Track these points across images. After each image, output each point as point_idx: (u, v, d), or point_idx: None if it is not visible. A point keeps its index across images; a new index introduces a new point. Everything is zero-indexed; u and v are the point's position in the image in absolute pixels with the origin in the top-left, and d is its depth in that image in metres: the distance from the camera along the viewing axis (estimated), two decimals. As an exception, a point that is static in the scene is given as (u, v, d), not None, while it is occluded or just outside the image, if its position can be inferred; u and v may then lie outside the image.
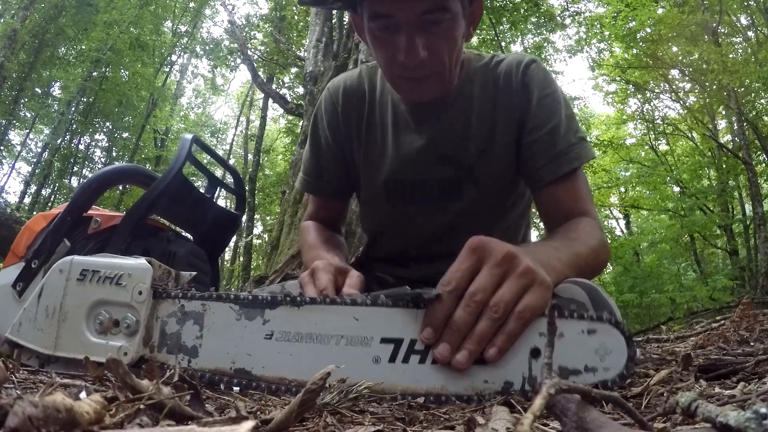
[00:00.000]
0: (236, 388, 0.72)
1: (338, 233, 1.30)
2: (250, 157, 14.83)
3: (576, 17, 10.68)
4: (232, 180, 1.56)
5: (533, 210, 1.31)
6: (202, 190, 1.38)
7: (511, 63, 1.08)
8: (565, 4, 10.53)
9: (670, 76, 8.96)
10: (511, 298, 0.66)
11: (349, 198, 1.29)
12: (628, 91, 10.34)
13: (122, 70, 12.32)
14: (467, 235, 0.87)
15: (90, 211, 1.10)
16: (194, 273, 0.90)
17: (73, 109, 12.25)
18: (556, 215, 1.02)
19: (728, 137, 10.16)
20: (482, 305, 0.66)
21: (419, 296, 0.69)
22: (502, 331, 0.66)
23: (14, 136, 12.90)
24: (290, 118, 10.68)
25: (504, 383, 0.68)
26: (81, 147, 14.21)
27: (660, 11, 8.37)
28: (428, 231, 1.13)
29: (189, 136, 1.20)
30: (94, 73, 11.79)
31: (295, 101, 7.37)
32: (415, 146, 1.08)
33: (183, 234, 1.32)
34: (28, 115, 12.50)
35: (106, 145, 14.89)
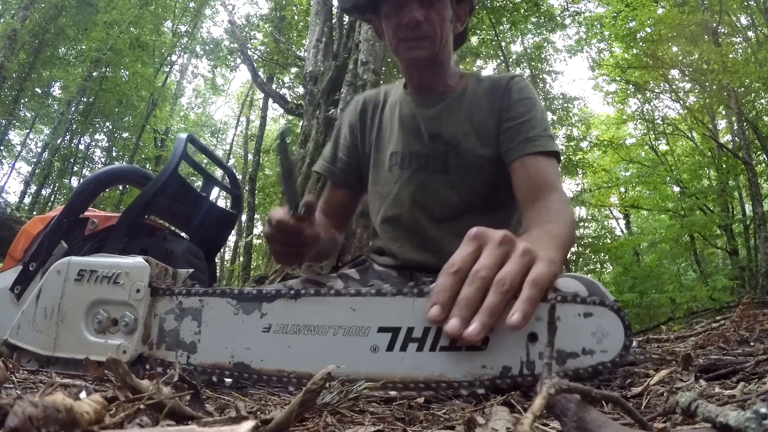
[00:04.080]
0: (233, 380, 0.72)
1: (338, 224, 1.43)
2: (250, 157, 14.82)
3: (576, 17, 10.68)
4: (228, 179, 1.56)
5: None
6: (199, 190, 1.37)
7: (501, 76, 1.33)
8: (565, 4, 10.53)
9: (670, 76, 8.96)
10: (516, 273, 0.68)
11: (356, 191, 1.46)
12: (628, 91, 10.34)
13: (122, 70, 12.28)
14: (455, 208, 1.24)
15: (87, 213, 1.11)
16: (191, 270, 0.90)
17: (73, 109, 12.23)
18: (525, 187, 1.15)
19: (728, 137, 10.16)
20: (488, 282, 0.68)
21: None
22: (521, 298, 0.67)
23: (14, 136, 12.89)
24: (290, 118, 10.67)
25: (502, 368, 0.68)
26: (81, 147, 14.20)
27: (660, 11, 8.37)
28: (420, 197, 1.29)
29: (183, 136, 1.21)
30: (94, 73, 11.75)
31: (295, 101, 7.36)
32: (415, 127, 1.31)
33: (180, 233, 1.32)
34: (28, 115, 12.47)
35: (106, 145, 14.87)
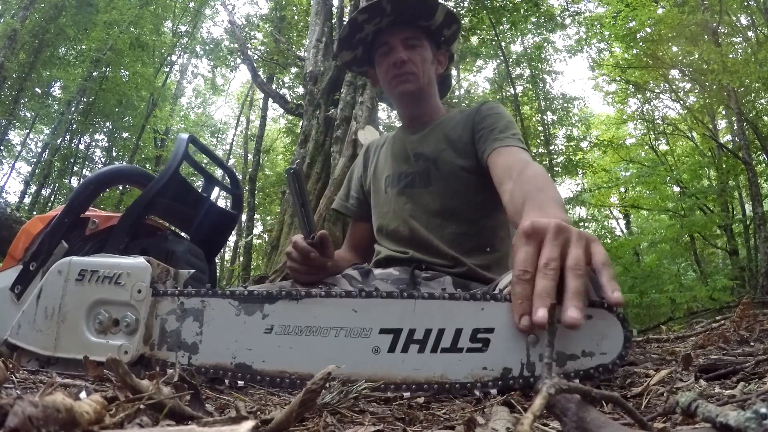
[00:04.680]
0: (234, 381, 0.72)
1: (363, 255, 1.61)
2: (250, 157, 14.82)
3: (576, 17, 10.68)
4: (229, 179, 1.56)
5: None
6: (200, 190, 1.37)
7: (476, 104, 1.49)
8: (565, 4, 10.53)
9: (670, 76, 8.95)
10: (582, 257, 0.71)
11: (371, 223, 1.58)
12: (628, 91, 10.33)
13: (122, 70, 12.26)
14: (440, 215, 1.39)
15: (87, 213, 1.10)
16: (192, 271, 0.90)
17: (73, 109, 12.21)
18: (502, 167, 1.24)
19: (728, 137, 10.15)
20: (558, 272, 0.70)
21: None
22: (605, 280, 0.69)
23: (14, 136, 12.85)
24: (290, 118, 10.66)
25: (503, 369, 0.68)
26: (81, 147, 14.18)
27: (660, 11, 8.36)
28: (410, 209, 1.44)
29: (185, 136, 1.21)
30: (94, 73, 11.73)
31: (295, 101, 7.36)
32: (403, 151, 1.52)
33: (181, 233, 1.32)
34: (28, 115, 12.44)
35: (106, 145, 14.85)
